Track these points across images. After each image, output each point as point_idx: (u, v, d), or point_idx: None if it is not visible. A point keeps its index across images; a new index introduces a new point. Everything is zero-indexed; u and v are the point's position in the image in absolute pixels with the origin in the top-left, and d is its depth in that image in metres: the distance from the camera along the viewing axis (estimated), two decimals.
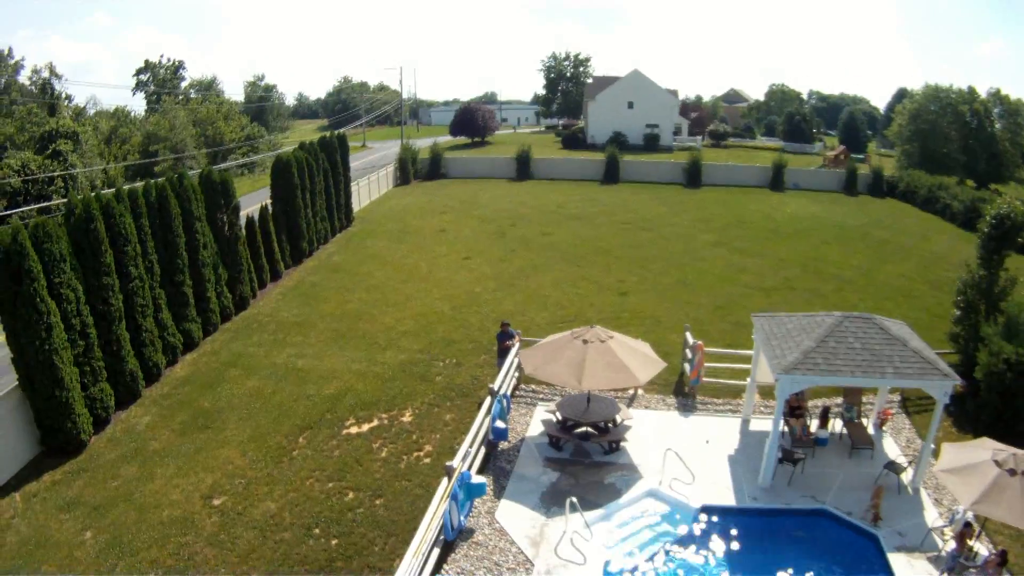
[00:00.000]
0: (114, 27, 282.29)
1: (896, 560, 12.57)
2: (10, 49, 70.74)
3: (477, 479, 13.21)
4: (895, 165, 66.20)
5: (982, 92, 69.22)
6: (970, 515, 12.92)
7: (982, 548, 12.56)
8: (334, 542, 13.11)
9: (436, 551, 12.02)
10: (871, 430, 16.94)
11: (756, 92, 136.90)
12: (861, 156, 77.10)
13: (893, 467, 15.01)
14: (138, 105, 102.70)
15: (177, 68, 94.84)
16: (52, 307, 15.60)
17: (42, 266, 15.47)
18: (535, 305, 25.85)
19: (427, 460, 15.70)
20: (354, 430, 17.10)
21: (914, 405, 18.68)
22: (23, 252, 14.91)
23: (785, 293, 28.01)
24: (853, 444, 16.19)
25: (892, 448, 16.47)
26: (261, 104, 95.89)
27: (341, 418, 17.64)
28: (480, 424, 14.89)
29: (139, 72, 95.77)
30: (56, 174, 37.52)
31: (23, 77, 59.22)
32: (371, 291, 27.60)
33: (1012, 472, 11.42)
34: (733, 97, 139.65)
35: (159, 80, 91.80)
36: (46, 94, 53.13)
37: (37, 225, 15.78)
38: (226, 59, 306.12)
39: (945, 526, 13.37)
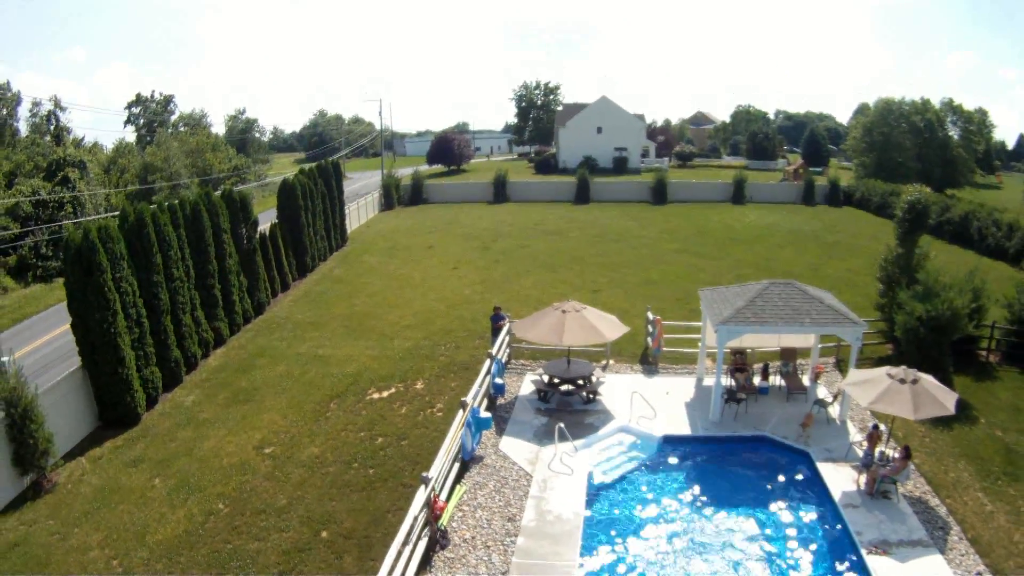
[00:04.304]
0: (87, 65, 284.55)
1: (824, 468, 15.91)
2: (8, 82, 73.32)
3: (485, 415, 16.41)
4: (852, 176, 68.88)
5: (936, 103, 72.34)
6: (883, 428, 16.26)
7: (891, 452, 15.85)
8: (371, 471, 16.16)
9: (456, 465, 15.17)
10: (807, 383, 20.35)
11: (723, 114, 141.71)
12: (820, 169, 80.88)
13: (821, 403, 18.45)
14: (128, 138, 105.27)
15: (167, 101, 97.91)
16: (116, 296, 18.55)
17: (108, 261, 18.44)
18: (518, 302, 29.07)
19: (440, 414, 18.83)
20: (376, 396, 20.21)
21: (847, 366, 22.05)
22: (94, 248, 17.89)
23: None
24: (789, 390, 19.63)
25: (824, 394, 19.85)
26: (243, 137, 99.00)
27: (363, 388, 20.74)
28: (483, 378, 18.14)
29: (130, 105, 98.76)
30: (65, 184, 40.19)
31: (23, 110, 62.13)
32: (373, 296, 30.79)
33: (902, 381, 14.78)
34: (700, 120, 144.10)
35: (151, 113, 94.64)
36: (50, 124, 56.02)
37: (100, 228, 18.76)
38: (199, 94, 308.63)
39: (863, 440, 16.70)
